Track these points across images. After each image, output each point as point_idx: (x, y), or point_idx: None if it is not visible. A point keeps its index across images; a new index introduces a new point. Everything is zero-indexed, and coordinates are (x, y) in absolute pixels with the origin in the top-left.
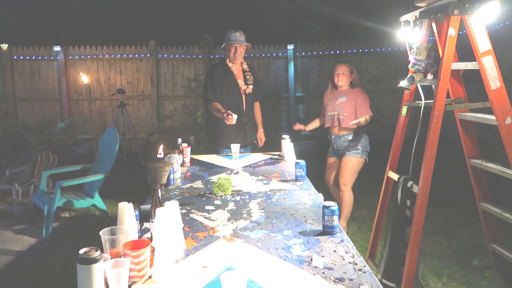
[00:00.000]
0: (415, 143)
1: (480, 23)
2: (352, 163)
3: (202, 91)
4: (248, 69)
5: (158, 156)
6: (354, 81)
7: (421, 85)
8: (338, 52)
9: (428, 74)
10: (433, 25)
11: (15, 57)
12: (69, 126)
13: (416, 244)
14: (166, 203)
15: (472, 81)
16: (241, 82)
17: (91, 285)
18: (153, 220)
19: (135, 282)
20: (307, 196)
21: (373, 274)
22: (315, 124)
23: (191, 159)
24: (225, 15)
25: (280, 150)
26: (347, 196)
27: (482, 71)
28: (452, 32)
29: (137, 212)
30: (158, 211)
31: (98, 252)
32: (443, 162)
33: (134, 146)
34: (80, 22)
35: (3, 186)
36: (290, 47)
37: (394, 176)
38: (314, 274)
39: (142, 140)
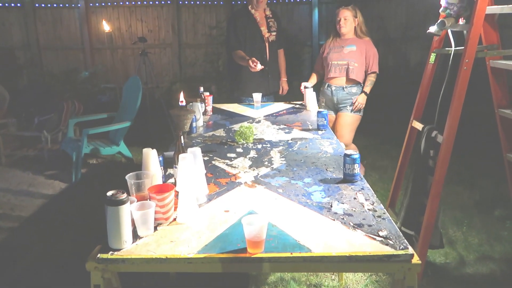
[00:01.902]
0: (442, 92)
1: None
2: (353, 119)
3: (223, 39)
4: (271, 16)
5: (180, 104)
6: (360, 27)
7: (451, 31)
8: None
9: (460, 19)
10: None
11: (36, 5)
12: (92, 75)
13: (437, 193)
14: (189, 149)
15: (507, 27)
16: (264, 29)
17: (119, 225)
18: (176, 166)
19: (161, 224)
20: (329, 145)
21: (392, 221)
22: (313, 80)
23: (213, 107)
24: None
25: (302, 99)
26: (353, 149)
27: None
28: None
29: (160, 159)
30: (182, 156)
31: (125, 194)
32: (469, 112)
33: (157, 95)
34: None
35: (33, 133)
36: None
37: (418, 125)
38: (334, 220)
39: (164, 89)
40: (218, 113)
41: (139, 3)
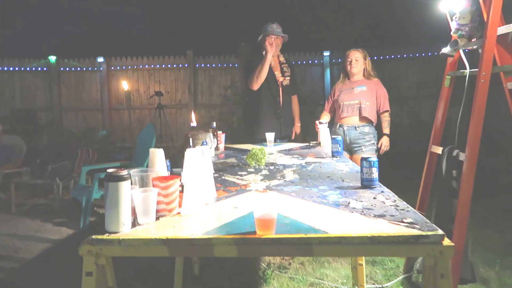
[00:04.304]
0: (460, 112)
1: None
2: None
3: (238, 98)
4: (285, 61)
5: (191, 125)
6: (368, 70)
7: (465, 53)
8: (375, 58)
9: (473, 40)
10: None
11: (61, 68)
12: (109, 134)
13: (465, 216)
14: (198, 146)
15: None
16: (278, 73)
17: (117, 204)
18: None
19: (164, 216)
20: (345, 166)
21: (417, 212)
22: (325, 117)
23: (225, 147)
24: (261, 23)
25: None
26: None
27: None
28: None
29: (168, 163)
30: (189, 150)
31: (126, 171)
32: (488, 160)
33: (172, 153)
34: (122, 34)
35: (46, 181)
36: (326, 53)
37: (438, 149)
38: (352, 212)
39: (179, 148)
40: (230, 150)
41: (158, 66)
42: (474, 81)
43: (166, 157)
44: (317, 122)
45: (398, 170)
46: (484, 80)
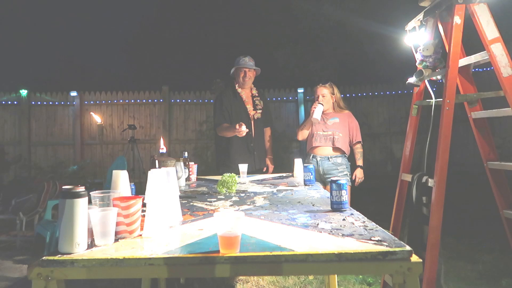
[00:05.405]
0: (428, 141)
1: (485, 11)
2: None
3: (213, 133)
4: (257, 94)
5: (160, 151)
6: (338, 102)
7: (430, 84)
8: (348, 95)
9: (437, 70)
10: (440, 26)
11: (33, 102)
12: (80, 169)
13: (435, 241)
14: (163, 168)
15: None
16: (249, 107)
17: (72, 222)
18: None
19: (124, 238)
20: (316, 192)
21: (386, 231)
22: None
23: (197, 178)
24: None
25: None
26: None
27: (492, 59)
28: (457, 20)
29: (133, 186)
30: (154, 170)
31: (83, 188)
32: (457, 195)
33: (144, 188)
34: (97, 69)
35: (8, 216)
36: (300, 90)
37: (407, 177)
38: (321, 232)
39: None
40: (202, 180)
41: (132, 101)
42: (440, 110)
43: (138, 192)
44: (316, 101)
45: (371, 204)
46: (448, 107)
